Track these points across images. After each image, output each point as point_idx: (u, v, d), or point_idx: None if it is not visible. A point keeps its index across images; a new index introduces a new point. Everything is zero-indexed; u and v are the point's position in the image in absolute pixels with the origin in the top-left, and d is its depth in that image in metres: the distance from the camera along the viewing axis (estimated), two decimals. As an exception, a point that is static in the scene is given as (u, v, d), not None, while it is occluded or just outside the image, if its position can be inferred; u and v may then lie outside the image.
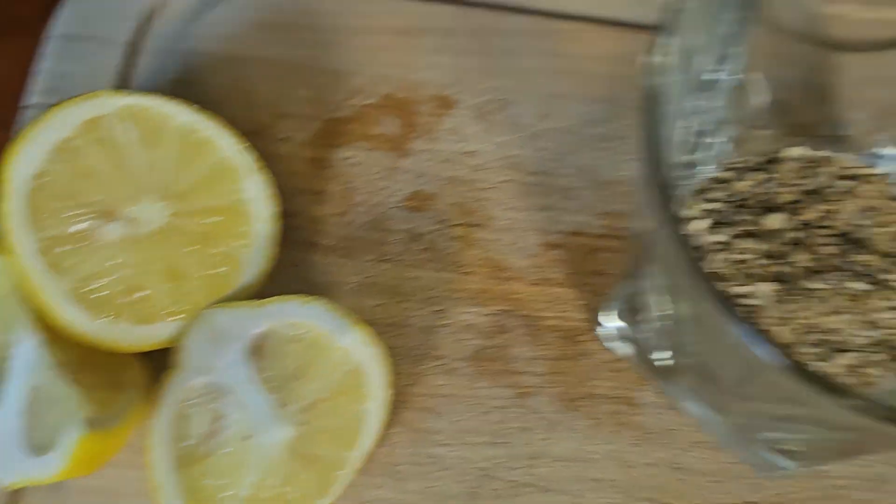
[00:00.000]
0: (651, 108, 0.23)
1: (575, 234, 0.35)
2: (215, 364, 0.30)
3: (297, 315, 0.31)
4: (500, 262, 0.35)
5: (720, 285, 0.23)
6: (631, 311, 0.32)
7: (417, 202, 0.36)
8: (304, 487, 0.30)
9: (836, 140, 0.33)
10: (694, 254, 0.23)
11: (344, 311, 0.31)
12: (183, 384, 0.30)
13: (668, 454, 0.33)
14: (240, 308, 0.31)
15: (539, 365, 0.34)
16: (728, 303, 0.23)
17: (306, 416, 0.30)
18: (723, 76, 0.30)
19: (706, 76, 0.30)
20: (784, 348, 0.22)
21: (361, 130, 0.36)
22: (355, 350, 0.31)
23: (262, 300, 0.31)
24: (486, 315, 0.34)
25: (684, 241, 0.23)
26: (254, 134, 0.35)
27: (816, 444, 0.30)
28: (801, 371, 0.22)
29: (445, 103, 0.37)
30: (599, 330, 0.34)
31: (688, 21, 0.25)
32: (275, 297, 0.31)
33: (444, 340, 0.34)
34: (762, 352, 0.23)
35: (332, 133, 0.36)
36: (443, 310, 0.34)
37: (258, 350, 0.31)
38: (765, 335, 0.22)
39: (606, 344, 0.34)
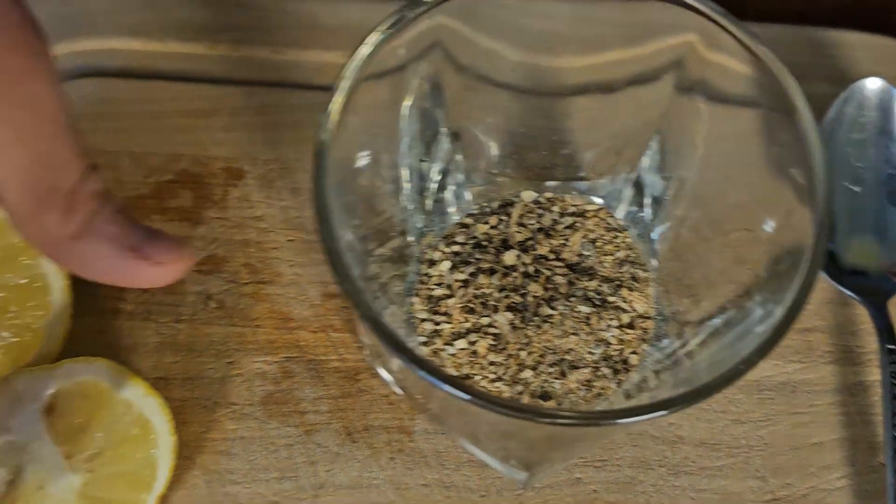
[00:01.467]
0: (317, 171, 0.27)
1: (350, 283, 0.39)
2: (12, 424, 0.34)
3: (82, 374, 0.34)
4: (286, 314, 0.39)
5: (397, 338, 0.26)
6: (380, 356, 0.36)
7: (211, 265, 0.39)
8: None
9: (564, 180, 0.38)
10: (365, 309, 0.26)
11: (122, 369, 0.34)
12: (-15, 444, 0.34)
13: (440, 475, 0.36)
14: (35, 372, 0.35)
15: (323, 404, 0.37)
16: (403, 350, 0.26)
17: (92, 465, 0.34)
18: (438, 131, 0.35)
19: (421, 132, 0.34)
20: (456, 381, 0.25)
21: (158, 205, 0.40)
22: (137, 401, 0.34)
23: (54, 363, 0.35)
24: (275, 362, 0.38)
25: (354, 296, 0.26)
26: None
27: (531, 453, 0.33)
28: (480, 398, 0.26)
29: (235, 174, 0.41)
30: (375, 368, 0.38)
31: (363, 84, 0.29)
32: (65, 360, 0.35)
33: (236, 388, 0.38)
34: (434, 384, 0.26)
35: (132, 208, 0.40)
36: (234, 361, 0.38)
37: (52, 408, 0.34)
38: (436, 372, 0.26)
39: (383, 379, 0.38)
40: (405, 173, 0.34)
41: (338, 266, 0.26)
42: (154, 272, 0.27)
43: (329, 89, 0.42)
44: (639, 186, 0.36)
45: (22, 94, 0.25)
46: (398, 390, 0.37)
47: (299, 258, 0.40)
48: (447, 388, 0.26)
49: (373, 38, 0.29)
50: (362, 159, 0.30)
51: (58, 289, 0.36)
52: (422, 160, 0.35)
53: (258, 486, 0.36)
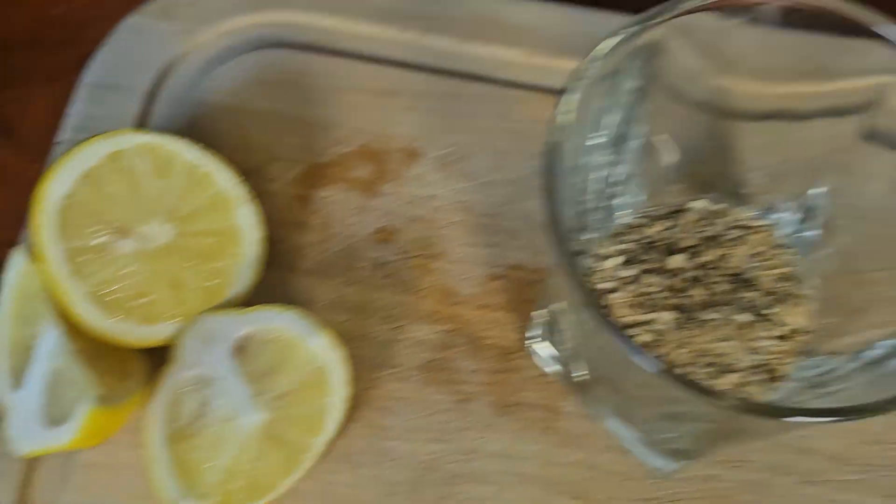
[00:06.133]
0: (550, 161, 0.29)
1: (515, 268, 0.42)
2: (205, 359, 0.36)
3: (274, 321, 0.37)
4: (450, 289, 0.41)
5: (607, 312, 0.28)
6: (551, 333, 0.38)
7: (384, 235, 0.42)
8: (273, 465, 0.36)
9: (734, 195, 0.40)
10: (585, 284, 0.29)
11: (314, 320, 0.37)
12: (177, 375, 0.37)
13: (585, 455, 0.39)
14: (227, 314, 0.37)
15: (478, 376, 0.40)
16: (610, 322, 0.29)
17: (277, 404, 0.36)
18: (632, 136, 0.37)
19: (615, 135, 0.36)
20: (657, 358, 0.28)
21: (340, 174, 0.43)
22: (321, 352, 0.37)
23: (246, 308, 0.38)
24: (436, 333, 0.41)
25: (576, 276, 0.29)
26: (248, 172, 0.41)
27: (695, 438, 0.36)
28: (668, 374, 0.28)
29: (412, 154, 0.44)
30: (530, 349, 0.40)
31: (590, 86, 0.31)
32: (257, 306, 0.38)
33: (399, 352, 0.40)
34: (641, 361, 0.28)
35: (315, 175, 0.43)
36: (400, 326, 0.41)
37: (241, 349, 0.37)
38: (640, 349, 0.28)
39: (536, 361, 0.40)
40: (596, 171, 0.36)
41: (561, 237, 0.29)
42: None
43: (505, 84, 0.45)
44: (807, 208, 0.38)
45: None
46: (552, 369, 0.39)
47: (467, 238, 0.42)
48: (646, 360, 0.28)
49: (606, 46, 0.31)
50: (577, 153, 0.33)
51: (252, 241, 0.39)
52: (611, 161, 0.37)
53: (412, 444, 0.39)
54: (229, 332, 0.37)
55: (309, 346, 0.37)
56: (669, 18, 0.31)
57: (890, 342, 0.34)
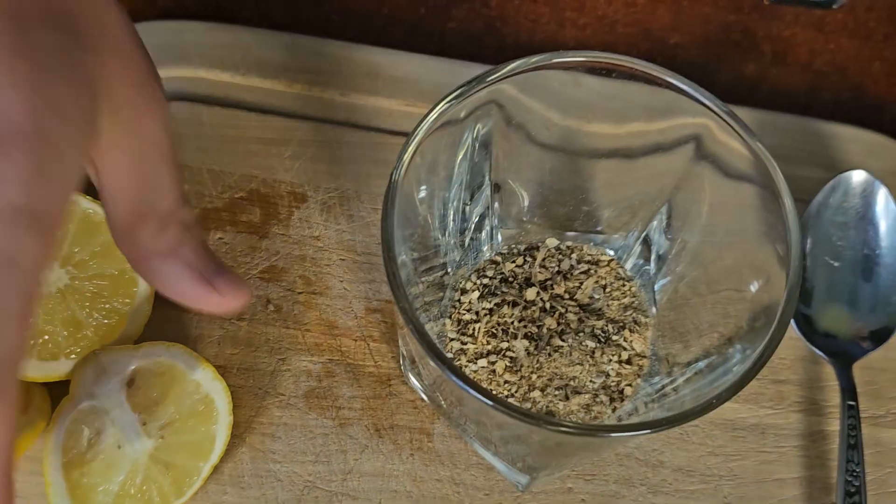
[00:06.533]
0: (386, 210, 0.33)
1: (390, 301, 0.45)
2: (98, 391, 0.40)
3: (161, 355, 0.41)
4: (332, 322, 0.45)
5: (434, 346, 0.32)
6: (412, 365, 0.42)
7: (271, 274, 0.46)
8: (162, 488, 0.40)
9: (584, 231, 0.44)
10: (413, 322, 0.32)
11: (196, 355, 0.41)
12: (73, 406, 0.40)
13: (451, 472, 0.42)
14: (119, 350, 0.41)
15: (357, 402, 0.43)
16: (442, 357, 0.32)
17: (165, 432, 0.40)
18: (483, 180, 0.41)
19: (466, 180, 0.40)
20: (480, 388, 0.32)
21: (231, 217, 0.47)
22: (205, 383, 0.40)
23: (137, 345, 0.41)
24: (319, 362, 0.44)
25: (411, 318, 0.33)
26: (144, 218, 0.45)
27: (543, 455, 0.39)
28: (496, 404, 0.32)
29: (298, 198, 0.47)
30: (406, 376, 0.44)
31: (425, 142, 0.35)
32: (146, 343, 0.41)
33: (284, 381, 0.44)
34: (462, 388, 0.32)
35: (208, 218, 0.46)
36: (285, 358, 0.44)
37: (131, 381, 0.40)
38: (466, 379, 0.32)
39: (411, 386, 0.44)
40: (451, 213, 0.40)
41: (395, 279, 0.32)
42: (217, 301, 0.33)
43: (386, 132, 0.49)
44: (647, 243, 0.42)
45: (142, 127, 0.31)
46: (424, 397, 0.43)
47: (348, 275, 0.46)
48: (475, 392, 0.32)
49: (444, 101, 0.35)
50: (422, 193, 0.37)
51: (143, 282, 0.43)
52: (465, 204, 0.41)
53: (295, 466, 0.42)
54: (121, 366, 0.40)
55: (192, 377, 0.40)
56: (499, 80, 0.35)
57: (715, 354, 0.38)
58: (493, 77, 0.36)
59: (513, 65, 0.36)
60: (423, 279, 0.39)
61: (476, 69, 0.50)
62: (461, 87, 0.35)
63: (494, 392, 0.40)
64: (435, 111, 0.35)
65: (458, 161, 0.39)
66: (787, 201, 0.35)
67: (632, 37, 0.53)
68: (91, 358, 0.40)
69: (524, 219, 0.43)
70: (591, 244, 0.44)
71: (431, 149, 0.36)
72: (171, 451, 0.40)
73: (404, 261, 0.35)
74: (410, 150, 0.34)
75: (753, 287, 0.37)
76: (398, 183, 0.34)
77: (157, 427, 0.40)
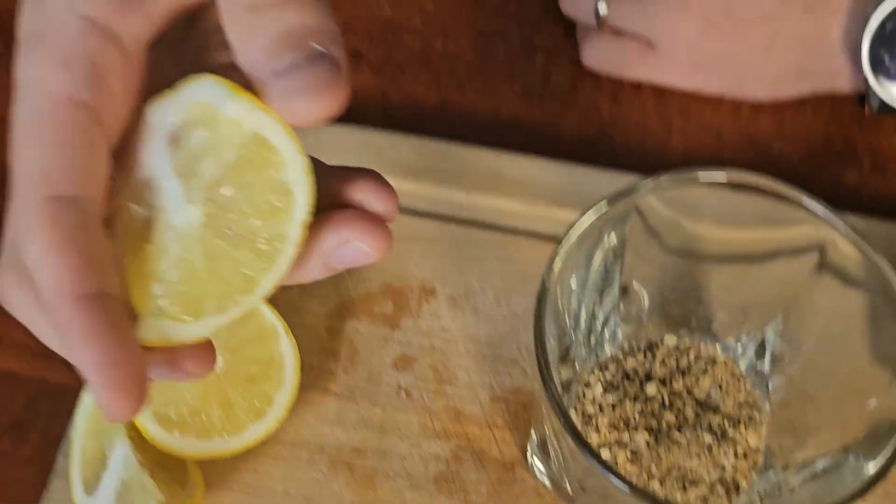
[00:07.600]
0: (540, 304, 0.36)
1: (514, 391, 0.48)
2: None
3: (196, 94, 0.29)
4: (460, 410, 0.48)
5: (582, 435, 0.35)
6: (543, 450, 0.45)
7: (403, 363, 0.49)
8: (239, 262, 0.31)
9: (702, 331, 0.47)
10: (563, 410, 0.36)
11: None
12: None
13: (573, 556, 0.45)
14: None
15: (483, 486, 0.46)
16: (585, 444, 0.35)
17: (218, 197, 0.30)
18: (613, 282, 0.44)
19: (598, 282, 0.43)
20: (620, 474, 0.35)
21: (366, 309, 0.50)
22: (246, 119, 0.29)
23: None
24: (448, 447, 0.47)
25: (556, 403, 0.36)
26: (285, 307, 0.49)
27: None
28: (636, 491, 0.35)
29: (428, 292, 0.51)
30: (530, 463, 0.47)
31: (573, 248, 0.39)
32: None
33: (414, 464, 0.47)
34: (609, 478, 0.35)
35: (345, 309, 0.50)
36: (416, 442, 0.47)
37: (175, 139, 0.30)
38: (608, 466, 0.35)
39: (535, 473, 0.47)
40: (584, 313, 0.43)
41: (545, 369, 0.36)
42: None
43: (508, 231, 0.52)
44: (762, 344, 0.45)
45: None
46: (547, 483, 0.46)
47: (473, 365, 0.49)
48: (614, 479, 0.35)
49: (593, 210, 0.38)
50: (563, 295, 0.40)
51: (290, 367, 0.46)
52: (595, 304, 0.44)
53: (425, 546, 0.45)
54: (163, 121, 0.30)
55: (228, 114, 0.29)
56: (647, 194, 0.39)
57: (830, 457, 0.40)
58: (642, 191, 0.39)
59: (660, 179, 0.39)
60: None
61: (591, 173, 0.53)
62: (611, 197, 0.39)
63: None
64: (584, 219, 0.38)
65: (596, 264, 0.42)
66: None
67: (736, 144, 0.56)
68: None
69: (643, 318, 0.46)
70: (707, 342, 0.46)
71: (574, 253, 0.39)
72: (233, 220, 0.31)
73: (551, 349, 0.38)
74: (561, 254, 0.38)
75: (871, 399, 0.39)
76: (547, 290, 0.37)
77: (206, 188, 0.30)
